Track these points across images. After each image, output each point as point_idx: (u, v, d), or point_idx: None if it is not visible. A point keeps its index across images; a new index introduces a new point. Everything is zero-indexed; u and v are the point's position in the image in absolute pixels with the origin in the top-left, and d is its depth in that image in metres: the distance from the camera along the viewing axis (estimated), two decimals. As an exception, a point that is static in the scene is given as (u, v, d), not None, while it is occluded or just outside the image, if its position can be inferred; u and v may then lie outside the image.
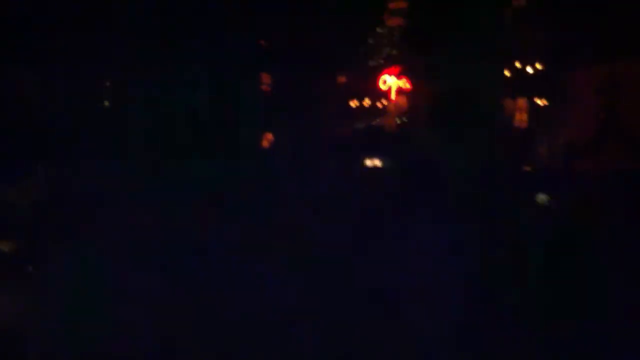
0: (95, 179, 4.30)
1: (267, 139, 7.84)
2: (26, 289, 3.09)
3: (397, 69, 14.69)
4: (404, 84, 14.44)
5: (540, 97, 7.80)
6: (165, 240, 3.81)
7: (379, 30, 15.61)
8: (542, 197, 3.47)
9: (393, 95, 14.36)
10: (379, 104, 14.67)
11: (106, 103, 5.86)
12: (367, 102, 14.88)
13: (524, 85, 8.31)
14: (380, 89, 14.56)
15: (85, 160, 4.41)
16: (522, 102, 8.23)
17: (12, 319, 2.85)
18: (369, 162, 6.46)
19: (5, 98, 4.63)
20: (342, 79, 14.18)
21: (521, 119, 8.08)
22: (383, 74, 14.69)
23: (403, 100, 13.88)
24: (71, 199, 3.91)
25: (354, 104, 14.85)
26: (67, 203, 3.93)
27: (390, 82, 14.47)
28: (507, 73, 8.87)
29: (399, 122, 13.22)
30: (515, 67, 8.91)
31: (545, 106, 7.40)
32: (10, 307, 2.90)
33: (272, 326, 2.91)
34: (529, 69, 8.92)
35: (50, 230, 3.69)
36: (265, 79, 8.60)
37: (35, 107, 4.76)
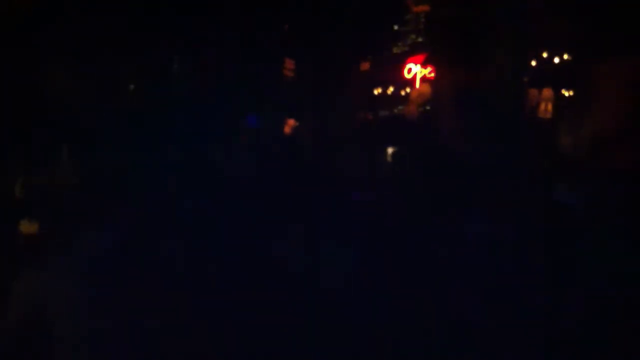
0: (123, 164, 4.35)
1: (289, 125, 7.85)
2: (52, 273, 3.13)
3: (422, 56, 14.57)
4: (429, 72, 14.32)
5: (565, 88, 7.69)
6: (194, 224, 3.83)
7: (404, 16, 15.49)
8: (561, 194, 3.42)
9: (417, 84, 14.26)
10: (402, 92, 14.60)
11: (133, 88, 5.93)
12: (390, 90, 14.81)
13: (549, 76, 8.20)
14: (404, 77, 14.47)
15: (113, 146, 4.47)
16: (547, 92, 8.13)
17: (37, 303, 2.89)
18: (390, 150, 6.46)
19: (33, 85, 4.71)
20: (365, 66, 14.15)
21: (546, 109, 7.99)
22: (408, 62, 14.59)
23: (427, 89, 13.77)
24: (98, 184, 3.96)
25: (376, 91, 14.79)
26: (94, 188, 3.98)
27: (415, 70, 14.37)
28: (532, 63, 8.77)
29: (421, 110, 13.15)
30: (542, 57, 8.78)
31: (570, 97, 7.30)
32: (36, 292, 2.94)
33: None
34: (555, 59, 8.79)
35: (77, 214, 3.74)
36: (288, 64, 8.61)
37: (64, 93, 4.83)
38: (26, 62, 4.71)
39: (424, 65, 14.14)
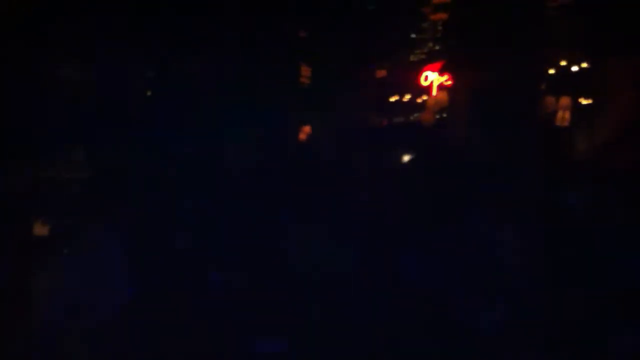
0: (137, 159, 4.38)
1: (304, 132, 7.86)
2: (64, 271, 3.13)
3: (439, 64, 14.50)
4: (446, 80, 14.24)
5: (580, 94, 7.60)
6: (204, 221, 3.84)
7: (421, 24, 15.42)
8: (572, 196, 3.39)
9: (434, 91, 14.19)
10: (418, 99, 14.54)
11: (147, 91, 5.96)
12: (406, 97, 14.76)
13: (565, 82, 8.12)
14: (421, 85, 14.40)
15: (116, 145, 4.50)
16: (564, 100, 8.04)
17: (49, 300, 2.89)
18: (405, 157, 6.42)
19: (48, 81, 4.76)
20: (381, 73, 14.09)
21: (564, 117, 7.91)
22: (425, 70, 14.53)
23: (443, 96, 13.71)
24: (101, 183, 3.98)
25: (393, 98, 14.74)
26: (107, 184, 4.00)
27: (431, 77, 14.31)
28: (550, 70, 8.70)
29: (438, 117, 13.09)
30: (558, 64, 8.70)
31: (585, 103, 7.22)
32: (48, 290, 2.94)
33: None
34: (571, 65, 8.69)
35: (90, 211, 3.76)
36: (304, 71, 8.62)
37: (78, 88, 4.87)
38: (26, 62, 4.75)
39: (440, 72, 14.07)
